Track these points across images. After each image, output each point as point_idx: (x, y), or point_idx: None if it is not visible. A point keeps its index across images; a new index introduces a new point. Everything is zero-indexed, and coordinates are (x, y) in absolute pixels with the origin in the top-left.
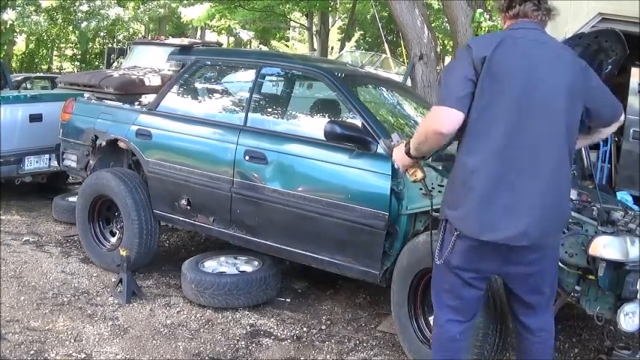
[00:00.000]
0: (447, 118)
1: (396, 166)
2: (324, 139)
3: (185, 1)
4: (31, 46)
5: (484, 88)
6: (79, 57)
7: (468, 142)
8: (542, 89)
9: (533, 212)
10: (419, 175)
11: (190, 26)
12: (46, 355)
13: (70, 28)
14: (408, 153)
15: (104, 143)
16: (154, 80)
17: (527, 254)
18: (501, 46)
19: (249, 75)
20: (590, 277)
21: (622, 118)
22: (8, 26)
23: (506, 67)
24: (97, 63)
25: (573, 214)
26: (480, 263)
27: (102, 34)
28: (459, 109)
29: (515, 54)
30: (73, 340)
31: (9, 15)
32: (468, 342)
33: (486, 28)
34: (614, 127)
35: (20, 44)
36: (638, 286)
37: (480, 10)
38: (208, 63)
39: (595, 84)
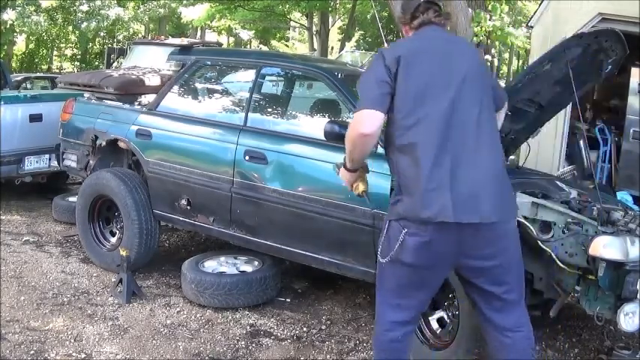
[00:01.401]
0: (366, 119)
1: (345, 185)
2: (324, 139)
3: (185, 1)
4: (31, 46)
5: (405, 80)
6: (79, 57)
7: (403, 134)
8: (458, 70)
9: (477, 188)
10: (360, 188)
11: (190, 26)
12: (46, 355)
13: (70, 28)
14: (345, 167)
15: (104, 143)
16: (154, 80)
17: (481, 247)
18: (413, 43)
19: (249, 75)
20: (590, 277)
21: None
22: (8, 26)
23: (423, 56)
24: (97, 63)
25: (573, 213)
26: (433, 258)
27: (102, 34)
28: (376, 109)
29: (429, 45)
30: (73, 340)
31: (9, 15)
32: (409, 343)
33: (486, 28)
34: (501, 116)
35: (20, 44)
36: (638, 286)
37: (479, 11)
38: (208, 63)
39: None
